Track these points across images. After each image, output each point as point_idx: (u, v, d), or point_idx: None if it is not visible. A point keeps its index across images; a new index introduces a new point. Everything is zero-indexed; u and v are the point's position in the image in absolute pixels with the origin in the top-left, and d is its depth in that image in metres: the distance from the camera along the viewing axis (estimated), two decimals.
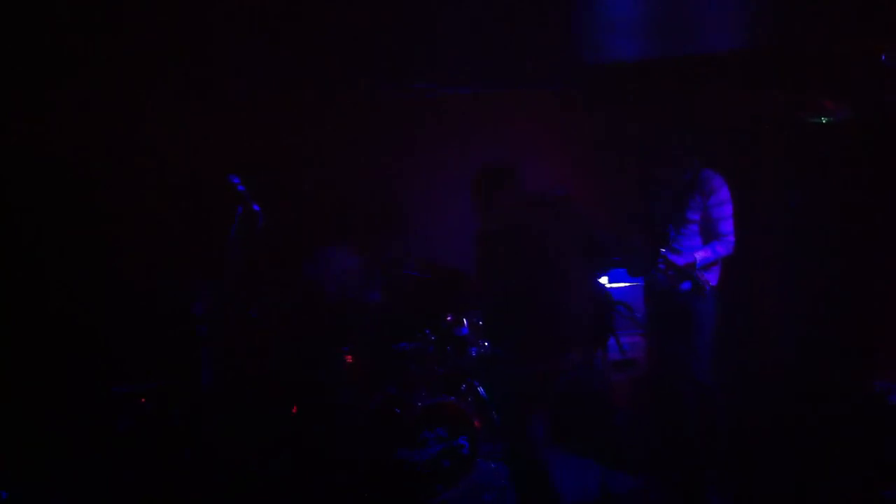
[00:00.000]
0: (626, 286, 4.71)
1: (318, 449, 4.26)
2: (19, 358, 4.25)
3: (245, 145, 4.87)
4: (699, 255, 3.89)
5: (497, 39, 4.44)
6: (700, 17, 4.14)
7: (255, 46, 4.34)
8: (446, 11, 3.89)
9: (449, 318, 4.53)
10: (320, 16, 3.85)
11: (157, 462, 4.08)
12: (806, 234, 4.53)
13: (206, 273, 4.06)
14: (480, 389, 4.59)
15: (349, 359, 4.39)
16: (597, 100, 5.48)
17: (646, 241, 3.90)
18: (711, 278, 3.91)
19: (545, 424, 3.49)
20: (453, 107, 5.58)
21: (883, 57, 4.01)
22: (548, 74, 5.37)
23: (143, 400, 4.25)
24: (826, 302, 4.44)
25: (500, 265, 3.52)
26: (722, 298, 3.98)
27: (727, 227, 3.95)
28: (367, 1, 3.70)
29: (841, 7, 3.79)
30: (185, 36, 3.99)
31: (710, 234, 3.97)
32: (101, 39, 3.92)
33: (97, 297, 4.51)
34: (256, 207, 3.82)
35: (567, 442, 4.33)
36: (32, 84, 4.39)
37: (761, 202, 4.64)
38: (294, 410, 4.34)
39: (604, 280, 4.87)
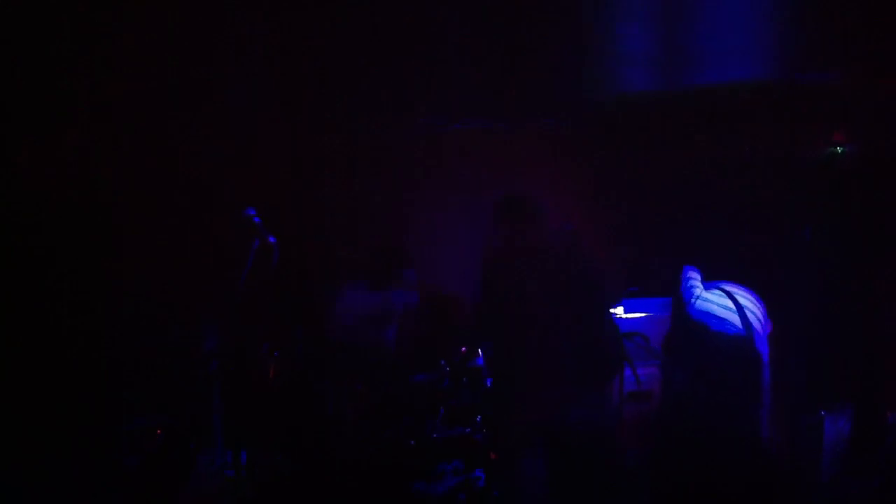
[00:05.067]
0: (643, 316, 4.71)
1: (332, 481, 4.24)
2: (33, 395, 4.22)
3: (257, 181, 4.91)
4: None
5: (504, 74, 4.50)
6: (708, 49, 4.17)
7: (258, 83, 4.42)
8: (452, 46, 3.97)
9: (463, 350, 4.53)
10: (325, 54, 3.95)
11: (168, 496, 4.08)
12: (821, 266, 4.53)
13: (219, 308, 4.07)
14: None
15: (363, 391, 4.40)
16: (607, 136, 5.52)
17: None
18: None
19: (540, 462, 3.49)
20: (460, 142, 5.63)
21: None
22: (556, 110, 5.40)
23: (158, 431, 4.26)
24: (842, 333, 4.41)
25: (500, 298, 3.55)
26: None
27: None
28: (375, 39, 3.81)
29: (853, 40, 3.84)
30: (183, 69, 4.08)
31: None
32: (106, 71, 4.01)
33: (110, 330, 4.52)
34: (272, 240, 3.82)
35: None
36: (43, 120, 4.46)
37: (776, 236, 4.66)
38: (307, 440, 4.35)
39: (619, 310, 4.87)
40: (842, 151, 4.38)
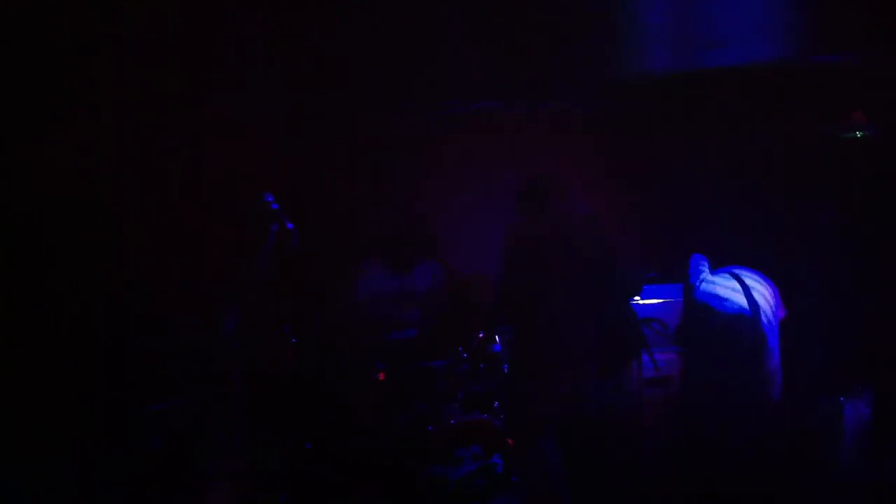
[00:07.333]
0: (660, 302, 4.73)
1: (350, 466, 4.27)
2: (51, 380, 4.24)
3: (275, 165, 4.95)
4: None
5: (524, 55, 4.46)
6: (729, 28, 4.13)
7: (280, 69, 4.40)
8: (474, 28, 3.93)
9: (481, 336, 4.54)
10: (345, 35, 3.92)
11: (187, 479, 4.11)
12: (839, 250, 4.51)
13: (239, 291, 4.08)
14: None
15: (381, 376, 4.42)
16: (624, 120, 5.49)
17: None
18: None
19: (559, 444, 3.52)
20: (479, 125, 5.62)
21: None
22: (574, 90, 5.39)
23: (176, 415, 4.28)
24: (861, 317, 4.41)
25: (520, 280, 3.55)
26: None
27: None
28: (395, 21, 3.76)
29: (874, 20, 3.80)
30: (207, 54, 4.06)
31: None
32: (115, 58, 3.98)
33: (115, 325, 4.51)
34: (290, 225, 3.84)
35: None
36: (43, 120, 4.41)
37: (794, 221, 4.64)
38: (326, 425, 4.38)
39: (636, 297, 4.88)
40: (861, 135, 4.35)
